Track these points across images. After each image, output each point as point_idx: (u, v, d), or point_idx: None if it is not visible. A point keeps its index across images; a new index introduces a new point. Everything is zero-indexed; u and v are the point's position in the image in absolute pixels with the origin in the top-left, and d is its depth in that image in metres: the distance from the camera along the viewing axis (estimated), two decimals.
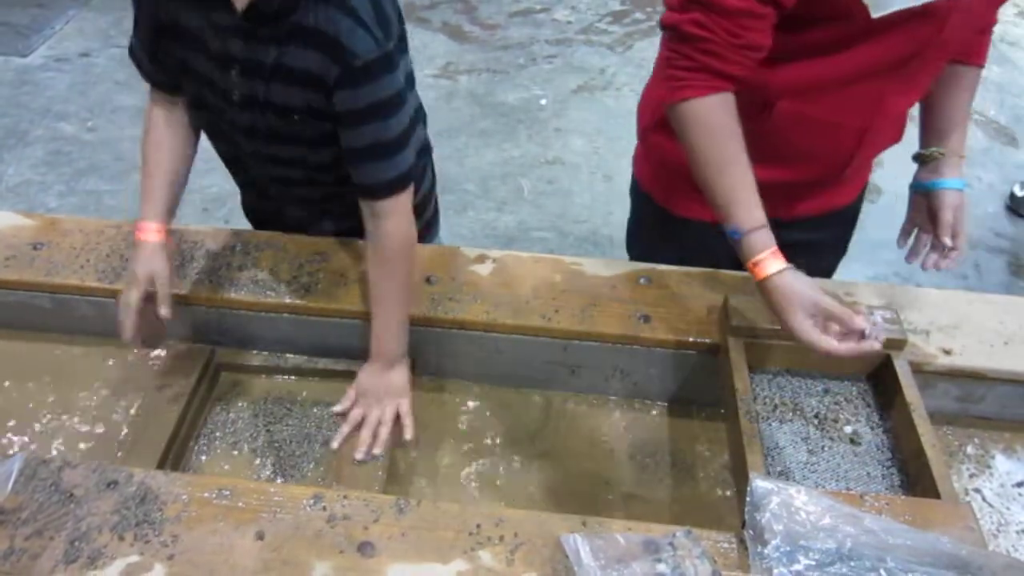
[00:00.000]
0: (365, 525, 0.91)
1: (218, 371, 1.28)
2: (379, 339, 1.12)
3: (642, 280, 1.25)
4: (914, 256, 1.27)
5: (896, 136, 1.20)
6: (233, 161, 1.25)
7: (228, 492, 0.94)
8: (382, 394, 1.13)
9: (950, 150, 1.21)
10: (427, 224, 1.43)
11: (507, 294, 1.23)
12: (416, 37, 4.04)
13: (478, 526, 0.91)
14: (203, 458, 1.17)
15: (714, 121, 0.98)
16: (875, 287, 1.26)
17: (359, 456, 1.09)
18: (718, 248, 1.09)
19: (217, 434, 1.20)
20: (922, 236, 1.26)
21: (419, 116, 1.30)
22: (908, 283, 2.54)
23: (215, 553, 0.88)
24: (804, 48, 1.02)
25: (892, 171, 2.82)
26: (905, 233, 1.30)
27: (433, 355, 1.25)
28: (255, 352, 1.28)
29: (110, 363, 1.27)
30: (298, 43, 0.97)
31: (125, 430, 1.17)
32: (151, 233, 1.10)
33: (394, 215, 1.08)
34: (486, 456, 1.18)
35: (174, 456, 1.14)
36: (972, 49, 1.19)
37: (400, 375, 1.15)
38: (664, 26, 1.00)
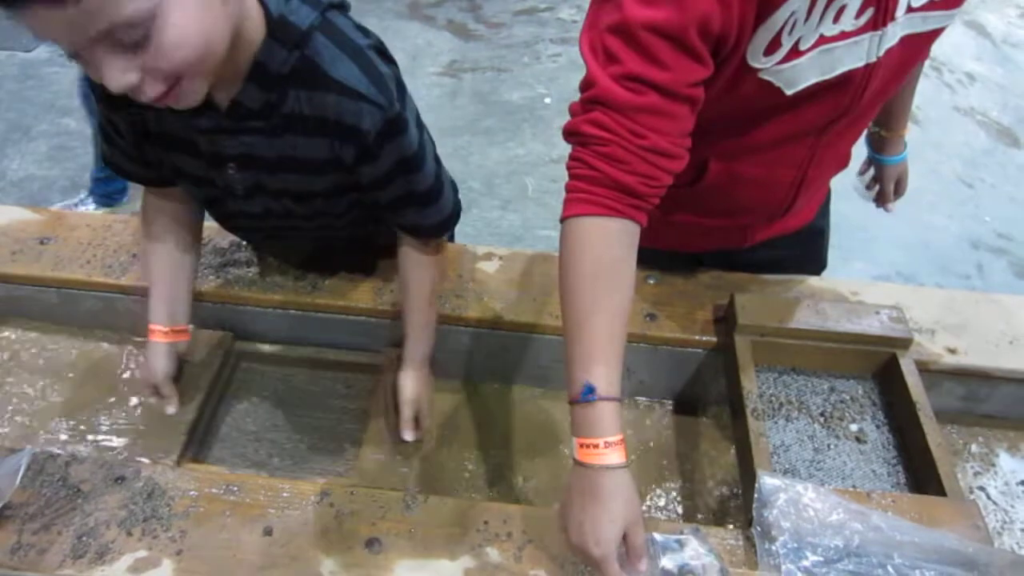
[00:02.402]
0: (372, 521, 0.92)
1: (238, 360, 1.29)
2: (418, 341, 1.12)
3: (650, 280, 1.25)
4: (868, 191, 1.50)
5: (841, 166, 1.17)
6: (232, 230, 1.23)
7: (236, 488, 0.95)
8: (428, 397, 1.14)
9: (892, 132, 1.37)
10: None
11: (514, 292, 1.23)
12: (421, 35, 4.04)
13: (486, 523, 0.92)
14: (224, 447, 1.18)
15: (604, 251, 0.80)
16: (881, 286, 1.27)
17: (410, 437, 1.10)
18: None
19: (235, 424, 1.21)
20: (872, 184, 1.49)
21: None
22: (911, 282, 2.55)
23: (223, 548, 0.88)
24: (726, 118, 0.96)
25: None
26: (863, 169, 1.50)
27: (439, 352, 1.25)
28: (268, 344, 1.29)
29: (127, 351, 1.29)
30: (297, 133, 0.92)
31: (142, 421, 1.17)
32: (156, 334, 1.10)
33: (439, 244, 1.12)
34: (493, 453, 1.18)
35: (196, 444, 1.15)
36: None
37: (430, 375, 1.16)
38: (565, 133, 0.85)
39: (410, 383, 1.10)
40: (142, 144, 0.99)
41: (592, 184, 0.80)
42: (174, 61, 0.74)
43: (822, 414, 1.11)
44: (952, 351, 1.16)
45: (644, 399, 1.26)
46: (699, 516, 1.09)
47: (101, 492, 0.94)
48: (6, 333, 1.31)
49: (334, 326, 1.24)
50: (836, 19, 0.85)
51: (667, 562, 0.85)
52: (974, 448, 1.18)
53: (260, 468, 1.15)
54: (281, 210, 1.05)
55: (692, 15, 0.75)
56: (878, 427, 1.09)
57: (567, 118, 0.86)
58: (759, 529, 0.86)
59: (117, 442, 1.15)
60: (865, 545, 0.83)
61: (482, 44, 3.98)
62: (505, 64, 3.80)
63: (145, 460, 1.06)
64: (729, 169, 1.06)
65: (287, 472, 1.15)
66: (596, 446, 0.76)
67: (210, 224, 1.17)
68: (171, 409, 1.09)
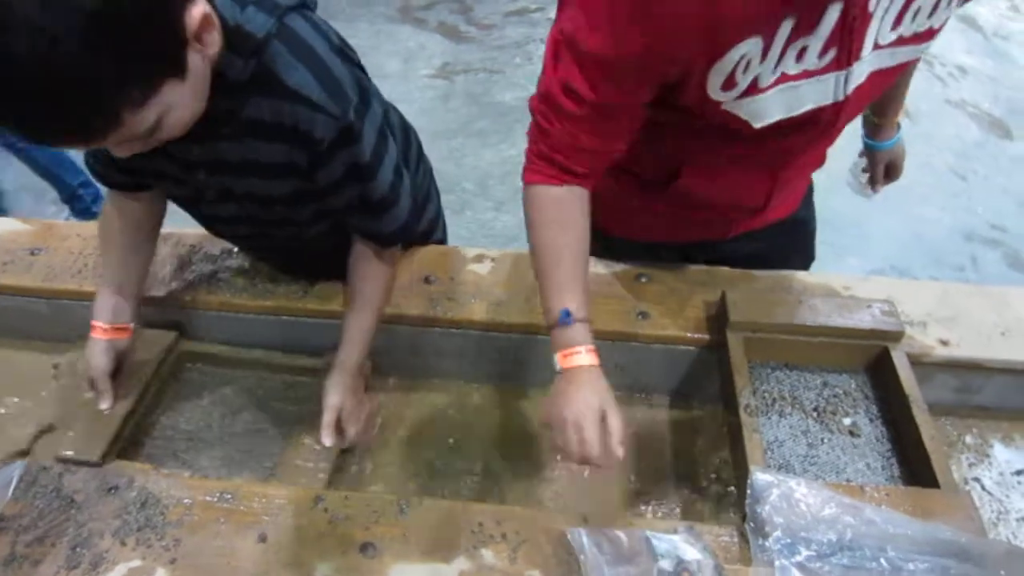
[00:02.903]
0: (367, 526, 0.92)
1: (180, 360, 1.28)
2: (352, 346, 1.10)
3: (642, 278, 1.25)
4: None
5: (818, 165, 1.17)
6: (218, 235, 1.24)
7: (230, 495, 0.95)
8: (360, 407, 1.11)
9: (884, 118, 1.38)
10: (425, 233, 1.43)
11: (506, 292, 1.23)
12: (412, 38, 4.05)
13: (480, 524, 0.92)
14: (157, 443, 1.17)
15: (556, 213, 0.95)
16: (872, 280, 1.27)
17: (328, 442, 1.05)
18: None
19: (173, 423, 1.21)
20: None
21: (411, 151, 1.30)
22: (905, 275, 2.55)
23: (217, 556, 0.88)
24: (697, 135, 0.98)
25: None
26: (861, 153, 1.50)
27: (432, 355, 1.25)
28: (218, 344, 1.29)
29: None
30: (258, 138, 0.93)
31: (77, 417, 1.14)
32: (97, 331, 1.12)
33: (391, 255, 1.12)
34: (487, 454, 1.18)
35: (125, 442, 1.13)
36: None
37: (359, 381, 1.13)
38: (529, 109, 0.95)
39: (334, 389, 1.08)
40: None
41: (539, 158, 0.94)
42: (174, 134, 0.83)
43: (815, 409, 1.11)
44: (944, 343, 1.16)
45: (638, 397, 1.26)
46: (694, 514, 1.09)
47: (95, 502, 0.94)
48: None
49: (293, 329, 1.25)
50: (799, 59, 0.85)
51: (662, 561, 0.85)
52: (968, 440, 1.18)
53: (187, 467, 1.14)
54: (248, 216, 1.06)
55: (625, 52, 0.81)
56: (871, 421, 1.09)
57: None
58: (752, 525, 0.86)
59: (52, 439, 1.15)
60: (858, 539, 0.83)
61: (474, 46, 3.98)
62: (497, 65, 3.80)
63: (69, 453, 1.04)
64: (702, 172, 1.06)
65: (212, 472, 1.13)
66: (576, 353, 0.91)
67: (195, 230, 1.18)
68: (104, 405, 1.11)
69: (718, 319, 1.17)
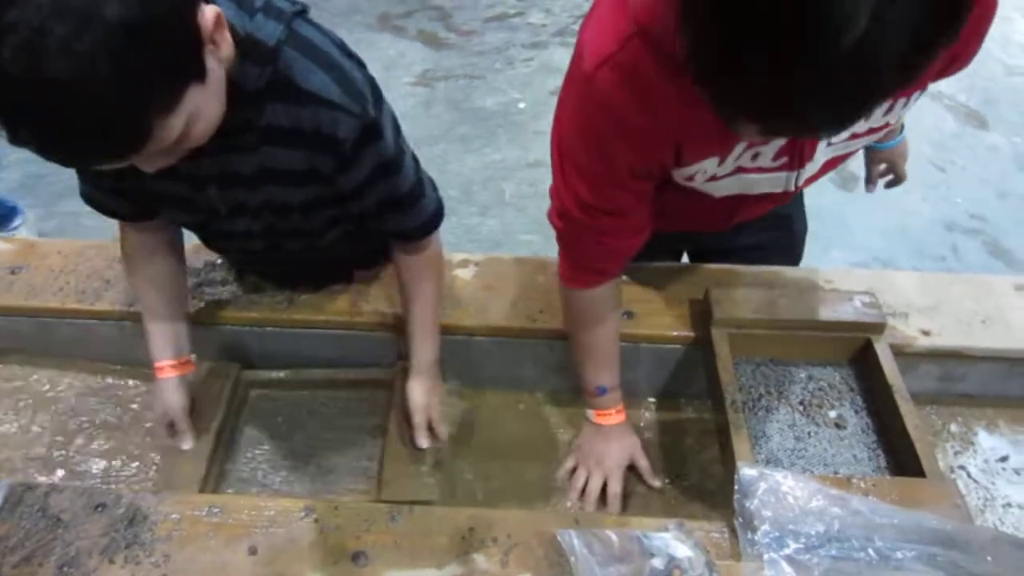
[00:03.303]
0: (357, 534, 0.91)
1: (248, 389, 1.27)
2: (426, 346, 1.13)
3: (624, 277, 1.26)
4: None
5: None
6: (220, 251, 1.25)
7: (218, 509, 0.94)
8: (437, 403, 1.13)
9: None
10: None
11: (491, 296, 1.23)
12: (392, 46, 4.04)
13: (471, 529, 0.92)
14: (241, 477, 1.16)
15: (594, 311, 1.09)
16: (854, 273, 1.28)
17: (425, 444, 1.11)
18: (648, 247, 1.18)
19: (251, 453, 1.20)
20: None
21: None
22: (889, 267, 2.57)
23: (208, 570, 0.88)
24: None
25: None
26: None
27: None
28: (278, 368, 1.27)
29: (130, 386, 1.28)
30: (276, 144, 0.92)
31: (157, 458, 1.16)
32: (166, 370, 1.12)
33: (430, 244, 1.11)
34: (476, 459, 1.18)
35: (214, 479, 1.13)
36: (964, 62, 1.17)
37: (438, 380, 1.16)
38: (550, 222, 1.03)
39: (418, 390, 1.11)
40: (121, 174, 0.97)
41: (573, 267, 1.05)
42: (200, 141, 0.82)
43: (801, 403, 1.11)
44: (926, 333, 1.17)
45: (625, 396, 1.25)
46: (684, 511, 1.10)
47: (82, 520, 0.93)
48: None
49: (343, 342, 1.24)
50: (753, 159, 0.91)
51: (654, 559, 0.85)
52: (953, 428, 1.19)
53: (282, 495, 1.13)
54: (263, 228, 1.05)
55: (623, 165, 0.89)
56: (857, 412, 1.10)
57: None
58: (741, 520, 0.87)
59: (135, 480, 1.14)
60: (846, 529, 0.84)
61: (454, 52, 3.98)
62: (478, 71, 3.81)
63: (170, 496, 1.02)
64: (683, 194, 1.08)
65: (312, 495, 1.13)
66: (609, 414, 1.14)
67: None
68: (187, 445, 1.11)
69: (702, 316, 1.17)
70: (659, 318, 1.19)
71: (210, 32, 0.76)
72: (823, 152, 0.92)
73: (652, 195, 0.98)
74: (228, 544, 0.90)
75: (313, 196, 1.00)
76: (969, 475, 1.13)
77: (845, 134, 0.90)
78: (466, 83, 3.72)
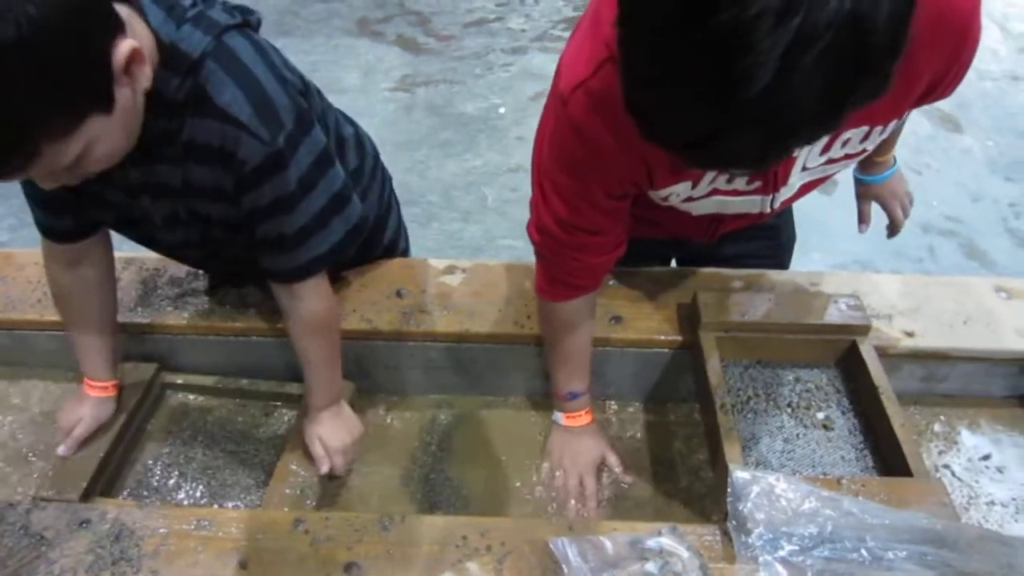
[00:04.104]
0: (349, 545, 0.90)
1: (163, 390, 1.26)
2: (319, 393, 1.10)
3: (611, 282, 1.26)
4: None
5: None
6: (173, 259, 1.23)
7: (207, 522, 0.93)
8: (345, 438, 1.10)
9: (876, 156, 1.29)
10: (391, 244, 1.42)
11: (479, 303, 1.23)
12: (371, 51, 4.03)
13: (464, 538, 0.91)
14: (138, 478, 1.16)
15: (568, 320, 1.10)
16: (838, 275, 1.29)
17: (324, 470, 1.08)
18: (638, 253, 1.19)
19: (154, 455, 1.19)
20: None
21: (365, 164, 1.27)
22: (868, 269, 2.60)
23: None
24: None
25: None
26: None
27: (408, 368, 1.25)
28: (200, 374, 1.27)
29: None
30: (194, 160, 0.91)
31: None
32: (96, 390, 1.13)
33: (312, 294, 1.03)
34: (465, 465, 1.18)
35: (108, 479, 1.12)
36: (945, 90, 1.11)
37: (348, 413, 1.14)
38: (529, 238, 1.04)
39: (311, 429, 1.10)
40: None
41: (549, 281, 1.06)
42: (102, 166, 0.82)
43: (789, 404, 1.12)
44: (909, 334, 1.18)
45: (614, 401, 1.26)
46: (676, 515, 1.10)
47: (66, 538, 0.91)
48: None
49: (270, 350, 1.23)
50: (728, 181, 0.92)
51: (648, 564, 0.85)
52: (937, 427, 1.20)
53: (170, 502, 1.12)
54: (198, 238, 1.04)
55: (598, 188, 0.92)
56: (844, 413, 1.11)
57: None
58: (735, 523, 0.87)
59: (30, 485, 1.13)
60: (839, 531, 0.84)
61: (433, 57, 3.97)
62: (458, 76, 3.80)
63: (51, 495, 1.03)
64: (637, 219, 1.09)
65: (197, 504, 1.13)
66: (579, 416, 1.16)
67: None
68: (64, 453, 1.09)
69: (690, 320, 1.18)
70: (647, 322, 1.20)
71: (123, 66, 0.76)
72: (799, 176, 0.94)
73: (628, 212, 1.00)
74: (218, 558, 0.89)
75: (231, 213, 0.98)
76: (953, 474, 1.14)
77: (822, 159, 0.92)
78: (446, 88, 3.72)
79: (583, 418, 1.16)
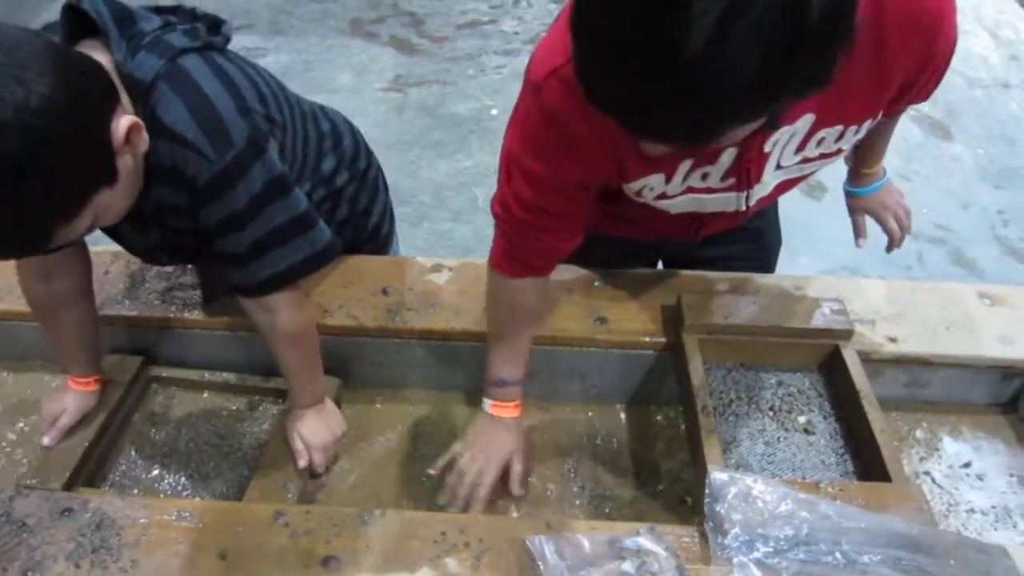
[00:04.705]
0: (328, 539, 0.91)
1: (149, 383, 1.26)
2: (301, 394, 1.11)
3: (597, 283, 1.27)
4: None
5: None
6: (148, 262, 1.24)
7: (188, 514, 0.93)
8: (326, 436, 1.11)
9: (858, 165, 1.29)
10: (381, 246, 1.43)
11: (465, 301, 1.23)
12: (364, 51, 4.03)
13: (443, 533, 0.92)
14: (121, 470, 1.16)
15: (514, 299, 1.09)
16: (821, 280, 1.30)
17: (303, 464, 1.09)
18: (622, 253, 1.26)
19: (138, 447, 1.19)
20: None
21: (357, 156, 1.29)
22: (856, 274, 2.61)
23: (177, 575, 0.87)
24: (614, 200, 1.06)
25: (836, 169, 2.89)
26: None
27: (392, 365, 1.25)
28: (186, 368, 1.27)
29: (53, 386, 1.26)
30: (158, 182, 0.90)
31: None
32: (79, 384, 1.13)
33: (285, 307, 1.03)
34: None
35: (92, 469, 1.12)
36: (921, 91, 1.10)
37: (331, 410, 1.14)
38: (491, 212, 1.05)
39: (293, 426, 1.10)
40: None
41: (502, 254, 1.06)
42: (111, 222, 0.87)
43: (771, 408, 1.13)
44: (892, 340, 1.19)
45: (597, 402, 1.27)
46: (655, 515, 1.10)
47: (47, 525, 0.91)
48: None
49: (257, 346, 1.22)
50: (703, 179, 0.93)
51: (625, 563, 0.86)
52: (918, 434, 1.21)
53: (152, 493, 1.13)
54: (169, 248, 1.05)
55: (559, 177, 0.93)
56: (825, 418, 1.12)
57: None
58: (711, 524, 0.88)
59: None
60: (815, 533, 0.85)
61: (426, 58, 3.98)
62: (450, 77, 3.81)
63: (32, 482, 1.04)
64: (620, 221, 1.12)
65: (179, 495, 1.13)
66: (505, 407, 1.13)
67: None
68: (48, 443, 1.09)
69: (674, 322, 1.18)
70: (632, 323, 1.20)
71: (123, 140, 0.78)
72: (773, 175, 0.95)
73: (594, 203, 1.01)
74: (198, 549, 0.89)
75: (192, 228, 0.98)
76: (934, 480, 1.15)
77: (796, 157, 0.92)
78: (439, 89, 3.72)
79: (509, 411, 1.13)
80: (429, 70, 3.87)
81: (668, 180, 0.94)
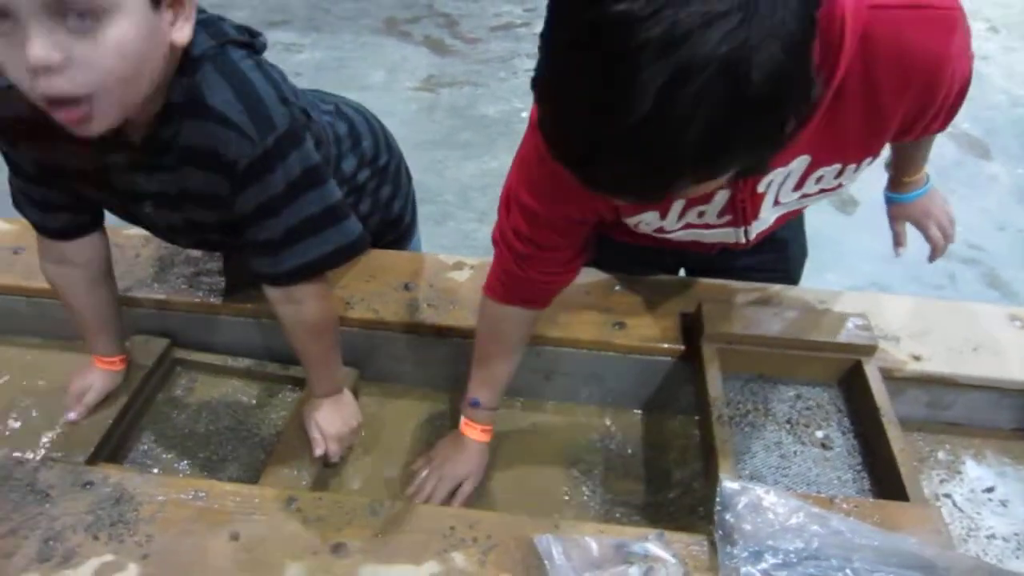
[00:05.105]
0: (339, 527, 0.92)
1: (173, 366, 1.29)
2: (319, 384, 1.12)
3: (616, 288, 1.27)
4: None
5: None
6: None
7: (204, 494, 0.95)
8: (342, 426, 1.12)
9: (898, 173, 1.26)
10: (403, 234, 1.45)
11: None
12: (397, 51, 4.07)
13: (452, 528, 0.92)
14: (142, 449, 1.18)
15: (499, 327, 1.10)
16: (847, 294, 1.28)
17: (319, 452, 1.09)
18: (644, 259, 1.26)
19: (159, 427, 1.22)
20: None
21: (378, 149, 1.30)
22: (884, 293, 2.58)
23: (189, 553, 0.88)
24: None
25: (867, 184, 2.85)
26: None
27: (410, 360, 1.26)
28: (210, 352, 1.29)
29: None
30: (191, 166, 0.90)
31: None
32: (104, 364, 1.16)
33: (311, 298, 1.03)
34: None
35: (113, 445, 1.14)
36: (930, 126, 1.08)
37: (348, 401, 1.15)
38: (492, 241, 1.06)
39: (311, 415, 1.11)
40: (49, 182, 0.97)
41: (497, 280, 1.06)
42: (106, 65, 0.72)
43: (788, 421, 1.12)
44: (917, 358, 1.17)
45: (612, 407, 1.26)
46: (665, 522, 1.10)
47: (68, 497, 0.93)
48: None
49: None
50: (700, 216, 0.94)
51: (631, 568, 0.85)
52: (940, 455, 1.19)
53: (170, 472, 1.15)
54: (198, 242, 1.07)
55: (551, 214, 0.95)
56: (843, 434, 1.11)
57: None
58: (720, 533, 0.87)
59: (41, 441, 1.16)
60: (825, 548, 0.84)
61: (458, 59, 4.00)
62: (481, 79, 3.83)
63: (57, 455, 1.06)
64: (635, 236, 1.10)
65: (195, 476, 1.15)
66: (474, 429, 1.14)
67: None
68: (73, 418, 1.11)
69: (693, 330, 1.18)
70: (650, 329, 1.20)
71: None
72: (771, 211, 0.95)
73: (588, 235, 1.03)
74: (210, 529, 0.91)
75: (220, 220, 0.98)
76: (954, 503, 1.13)
77: (795, 194, 0.92)
78: (470, 90, 3.74)
79: (477, 433, 1.14)
80: (461, 71, 3.89)
81: (663, 217, 0.95)
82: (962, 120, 3.50)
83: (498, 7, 4.48)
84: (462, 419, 1.14)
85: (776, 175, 0.88)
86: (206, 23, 0.87)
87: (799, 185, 0.91)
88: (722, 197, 0.91)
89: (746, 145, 0.60)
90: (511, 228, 0.99)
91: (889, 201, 1.30)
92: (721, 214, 0.94)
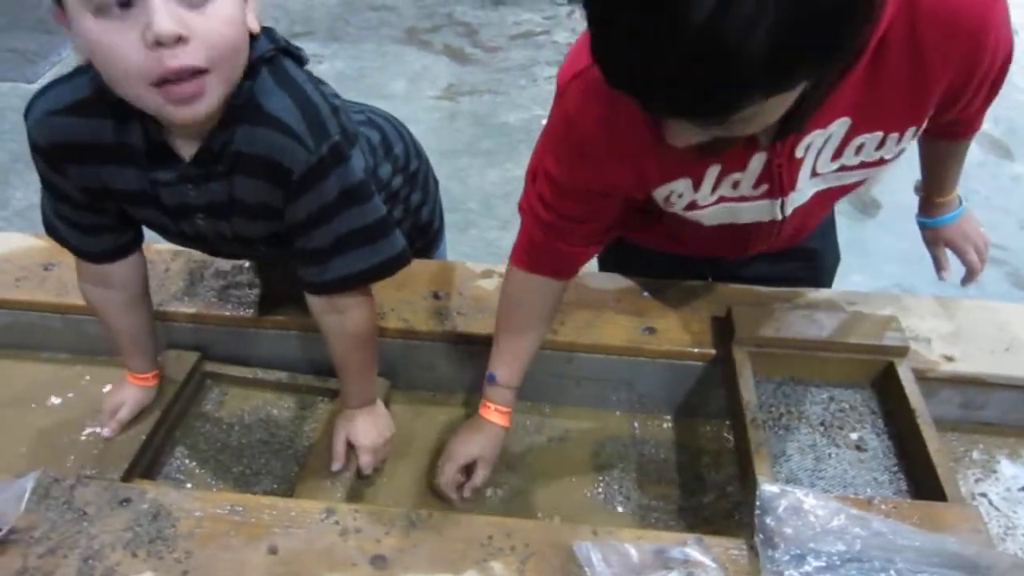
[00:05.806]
0: (377, 538, 0.92)
1: (204, 379, 1.30)
2: (354, 395, 1.12)
3: (645, 293, 1.27)
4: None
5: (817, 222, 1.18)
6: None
7: (241, 508, 0.95)
8: (376, 437, 1.12)
9: (929, 194, 1.25)
10: (431, 241, 1.45)
11: None
12: (418, 60, 4.09)
13: (489, 537, 0.92)
14: (176, 464, 1.19)
15: (525, 297, 1.09)
16: (877, 296, 1.28)
17: (337, 467, 1.10)
18: (672, 268, 1.27)
19: (193, 441, 1.23)
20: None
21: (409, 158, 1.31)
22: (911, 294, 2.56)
23: (228, 568, 0.89)
24: (667, 215, 1.05)
25: (889, 186, 2.85)
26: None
27: (441, 368, 1.26)
28: (241, 366, 1.30)
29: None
30: (244, 174, 0.90)
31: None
32: (138, 380, 1.17)
33: (357, 308, 1.03)
34: (499, 467, 1.18)
35: (148, 461, 1.15)
36: (958, 129, 1.11)
37: (381, 412, 1.15)
38: (518, 210, 1.07)
39: (341, 425, 1.12)
40: (91, 204, 0.97)
41: (522, 249, 1.06)
42: (221, 33, 0.77)
43: (822, 423, 1.11)
44: (949, 359, 1.17)
45: (643, 411, 1.26)
46: (702, 527, 1.09)
47: (106, 514, 0.94)
48: (9, 360, 1.32)
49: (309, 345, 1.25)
50: (734, 187, 0.93)
51: (671, 574, 0.85)
52: (975, 455, 1.18)
53: (204, 487, 1.16)
54: (243, 253, 1.09)
55: (575, 182, 0.96)
56: (878, 435, 1.10)
57: None
58: (761, 537, 0.87)
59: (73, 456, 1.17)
60: (867, 550, 0.83)
61: (479, 68, 4.02)
62: (502, 87, 3.84)
63: (92, 472, 1.07)
64: (682, 223, 1.09)
65: (229, 490, 1.15)
66: (490, 409, 1.11)
67: None
68: (108, 435, 1.13)
69: (724, 334, 1.17)
70: (680, 334, 1.20)
71: None
72: (809, 182, 0.93)
73: (616, 209, 1.03)
74: (248, 543, 0.91)
75: (269, 232, 0.98)
76: (990, 502, 1.12)
77: (834, 164, 0.90)
78: (490, 99, 3.76)
79: (492, 414, 1.11)
80: (481, 79, 3.91)
81: (697, 187, 0.93)
82: (984, 120, 3.47)
83: (517, 16, 4.50)
84: (482, 400, 1.13)
85: (815, 138, 0.86)
86: (266, 29, 0.88)
87: (838, 154, 0.89)
88: (758, 162, 0.88)
89: (817, 50, 0.58)
90: (536, 195, 1.00)
91: (923, 226, 1.28)
92: (757, 184, 0.91)
